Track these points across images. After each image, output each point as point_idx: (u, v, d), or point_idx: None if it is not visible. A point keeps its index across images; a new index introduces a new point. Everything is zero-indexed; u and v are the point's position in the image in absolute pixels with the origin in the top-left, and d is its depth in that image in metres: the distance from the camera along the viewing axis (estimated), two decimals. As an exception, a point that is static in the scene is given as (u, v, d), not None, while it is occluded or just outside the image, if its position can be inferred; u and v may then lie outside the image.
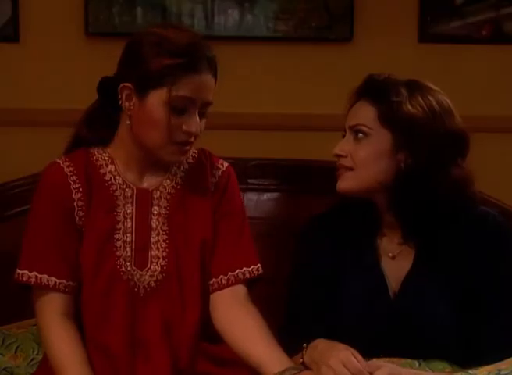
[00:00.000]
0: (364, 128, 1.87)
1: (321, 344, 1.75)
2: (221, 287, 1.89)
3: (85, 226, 1.84)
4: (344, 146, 1.90)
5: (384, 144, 1.86)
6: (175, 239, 1.86)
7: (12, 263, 1.86)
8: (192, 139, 1.80)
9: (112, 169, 1.88)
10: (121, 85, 1.80)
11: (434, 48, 2.76)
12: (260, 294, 1.94)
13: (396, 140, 1.85)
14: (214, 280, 1.89)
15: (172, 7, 2.69)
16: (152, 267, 1.85)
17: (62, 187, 1.84)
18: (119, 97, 1.81)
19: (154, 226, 1.86)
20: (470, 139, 1.90)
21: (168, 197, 1.89)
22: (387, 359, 1.78)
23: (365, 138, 1.87)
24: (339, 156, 1.90)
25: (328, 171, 1.96)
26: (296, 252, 2.03)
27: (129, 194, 1.87)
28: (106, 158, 1.89)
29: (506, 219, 1.96)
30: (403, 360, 1.80)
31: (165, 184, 1.90)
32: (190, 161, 1.94)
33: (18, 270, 1.83)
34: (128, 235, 1.85)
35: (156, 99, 1.76)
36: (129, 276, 1.83)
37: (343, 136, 1.92)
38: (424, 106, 1.84)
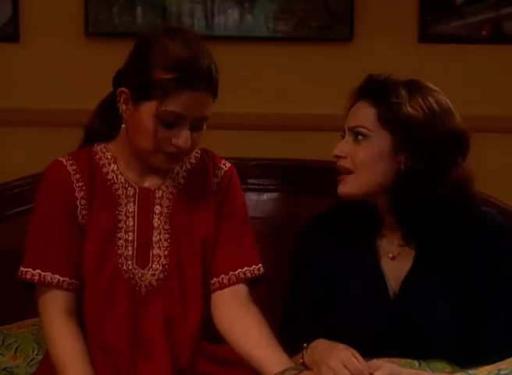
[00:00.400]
0: (364, 130, 1.87)
1: (321, 345, 1.75)
2: (222, 286, 1.89)
3: (87, 224, 1.84)
4: (344, 147, 1.90)
5: (384, 146, 1.85)
6: (176, 238, 1.86)
7: (12, 263, 1.86)
8: (183, 151, 1.79)
9: (115, 168, 1.88)
10: (119, 89, 1.80)
11: (434, 48, 2.76)
12: (260, 294, 1.94)
13: (395, 141, 1.84)
14: (215, 279, 1.89)
15: (172, 7, 2.69)
16: (154, 266, 1.85)
17: (66, 185, 1.84)
18: (118, 99, 1.81)
19: (155, 225, 1.87)
20: (470, 139, 1.90)
21: (170, 196, 1.89)
22: (387, 359, 1.78)
23: (365, 140, 1.87)
24: (338, 157, 1.90)
25: (328, 171, 1.96)
26: (296, 252, 2.03)
27: (131, 193, 1.87)
28: (109, 157, 1.89)
29: (505, 218, 1.96)
30: (403, 360, 1.80)
31: (167, 184, 1.90)
32: (193, 161, 1.94)
33: (21, 268, 1.83)
34: (130, 234, 1.85)
35: (146, 110, 1.75)
36: (131, 275, 1.83)
37: (342, 137, 1.92)
38: (424, 107, 1.84)
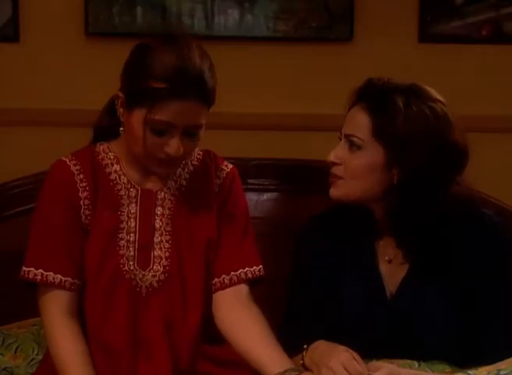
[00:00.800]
0: (358, 140, 1.85)
1: (321, 346, 1.76)
2: (223, 286, 1.89)
3: (90, 224, 1.84)
4: (339, 152, 1.88)
5: (377, 158, 1.84)
6: (178, 240, 1.87)
7: (12, 263, 1.86)
8: (174, 158, 1.79)
9: (118, 169, 1.88)
10: (116, 94, 1.82)
11: (434, 48, 2.76)
12: (260, 294, 1.94)
13: (389, 155, 1.82)
14: (216, 279, 1.90)
15: (172, 7, 2.69)
16: (155, 267, 1.85)
17: (69, 185, 1.84)
18: (116, 102, 1.82)
19: (157, 226, 1.87)
20: (468, 154, 1.86)
21: (172, 198, 1.89)
22: (387, 360, 1.78)
23: (358, 150, 1.85)
24: (333, 164, 1.89)
25: (328, 171, 1.96)
26: (296, 252, 2.03)
27: (133, 194, 1.87)
28: (111, 157, 1.89)
29: (504, 218, 1.96)
30: (402, 361, 1.81)
31: (170, 185, 1.90)
32: (195, 162, 1.94)
33: (24, 268, 1.83)
34: (131, 235, 1.85)
35: (137, 117, 1.76)
36: (132, 276, 1.84)
37: (340, 138, 1.91)
38: (420, 122, 1.80)
